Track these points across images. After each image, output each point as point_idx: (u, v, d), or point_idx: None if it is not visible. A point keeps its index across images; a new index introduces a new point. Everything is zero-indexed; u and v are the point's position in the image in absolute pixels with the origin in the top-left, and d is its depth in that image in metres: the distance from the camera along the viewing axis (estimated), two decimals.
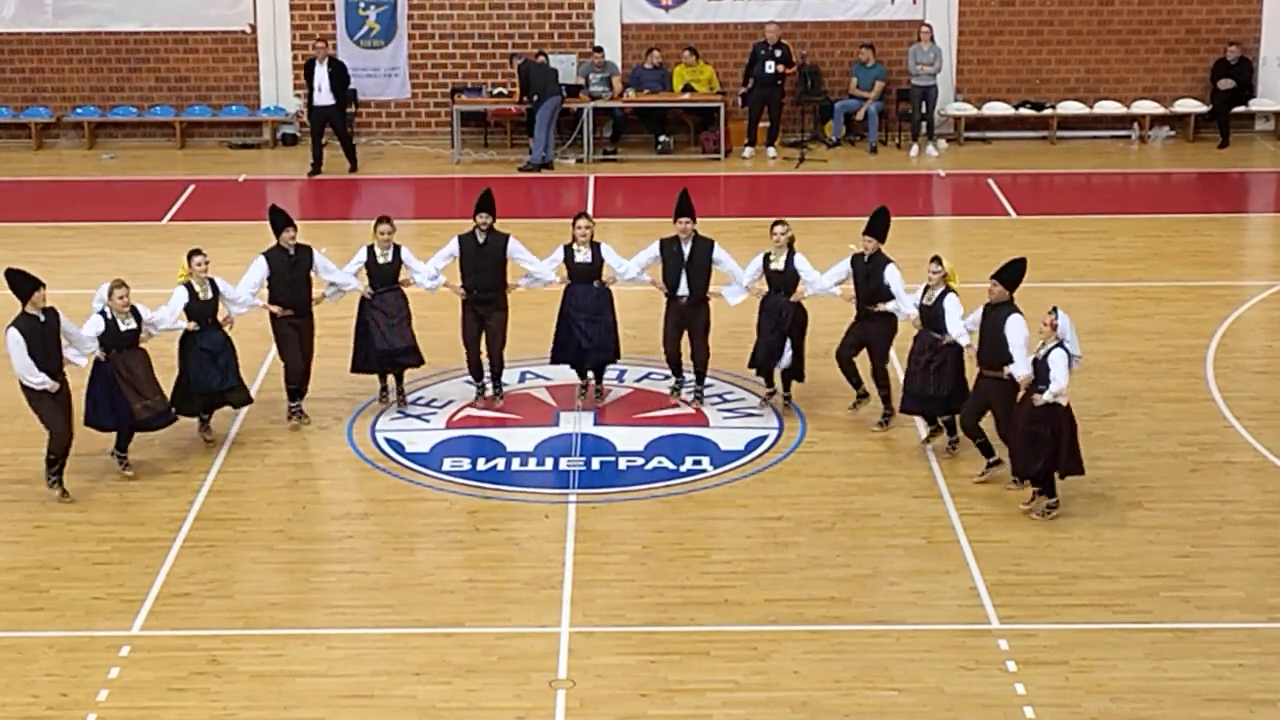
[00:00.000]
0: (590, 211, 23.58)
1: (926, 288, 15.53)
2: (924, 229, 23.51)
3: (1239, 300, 20.05)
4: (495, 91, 27.13)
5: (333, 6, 27.52)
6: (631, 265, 16.61)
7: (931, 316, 15.41)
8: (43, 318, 14.79)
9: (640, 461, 15.84)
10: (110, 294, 15.25)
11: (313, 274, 16.42)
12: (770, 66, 26.51)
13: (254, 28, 27.62)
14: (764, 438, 16.28)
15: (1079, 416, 14.49)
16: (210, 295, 15.83)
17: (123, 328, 15.27)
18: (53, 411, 14.88)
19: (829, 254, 19.29)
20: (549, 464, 15.82)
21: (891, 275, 15.94)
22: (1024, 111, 27.76)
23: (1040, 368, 14.26)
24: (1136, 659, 12.46)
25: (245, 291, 16.13)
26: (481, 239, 16.51)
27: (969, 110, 27.74)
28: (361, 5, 27.51)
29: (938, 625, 13.00)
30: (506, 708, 11.95)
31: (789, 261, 16.25)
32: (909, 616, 13.14)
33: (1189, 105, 27.68)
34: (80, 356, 15.20)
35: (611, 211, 23.99)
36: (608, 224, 21.59)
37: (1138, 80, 27.76)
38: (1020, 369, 14.53)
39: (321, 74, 25.59)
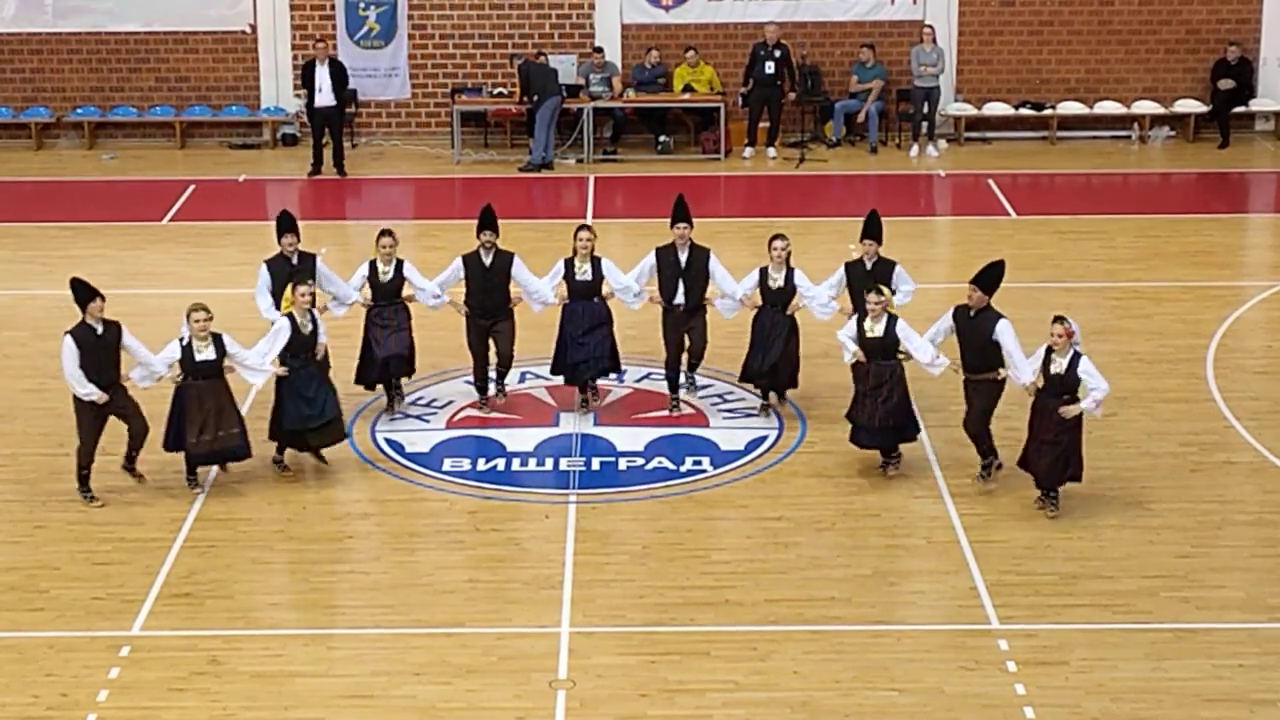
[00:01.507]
0: (590, 212, 23.63)
1: (864, 319, 15.03)
2: (924, 229, 23.51)
3: (1239, 300, 20.04)
4: (495, 91, 27.12)
5: (333, 6, 27.51)
6: (631, 283, 16.41)
7: (882, 347, 14.96)
8: (100, 330, 14.52)
9: (640, 462, 15.84)
10: (188, 317, 14.73)
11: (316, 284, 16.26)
12: (770, 67, 26.50)
13: (254, 28, 27.61)
14: (764, 438, 16.27)
15: None
16: (311, 328, 15.29)
17: (198, 357, 14.70)
18: (90, 424, 14.68)
19: (829, 255, 19.30)
20: (549, 464, 15.81)
21: (900, 276, 15.89)
22: (1024, 112, 27.75)
23: (1068, 380, 14.06)
24: (1136, 659, 12.45)
25: (270, 310, 15.93)
26: (487, 260, 16.37)
27: (969, 110, 27.73)
28: (361, 5, 27.50)
29: (938, 625, 13.00)
30: (506, 708, 11.95)
31: (788, 278, 16.17)
32: (909, 616, 13.15)
33: (1189, 105, 27.68)
34: (147, 379, 14.77)
35: (611, 212, 23.99)
36: (608, 225, 21.58)
37: (1138, 80, 27.75)
38: (1025, 376, 14.42)
39: (322, 74, 25.53)
